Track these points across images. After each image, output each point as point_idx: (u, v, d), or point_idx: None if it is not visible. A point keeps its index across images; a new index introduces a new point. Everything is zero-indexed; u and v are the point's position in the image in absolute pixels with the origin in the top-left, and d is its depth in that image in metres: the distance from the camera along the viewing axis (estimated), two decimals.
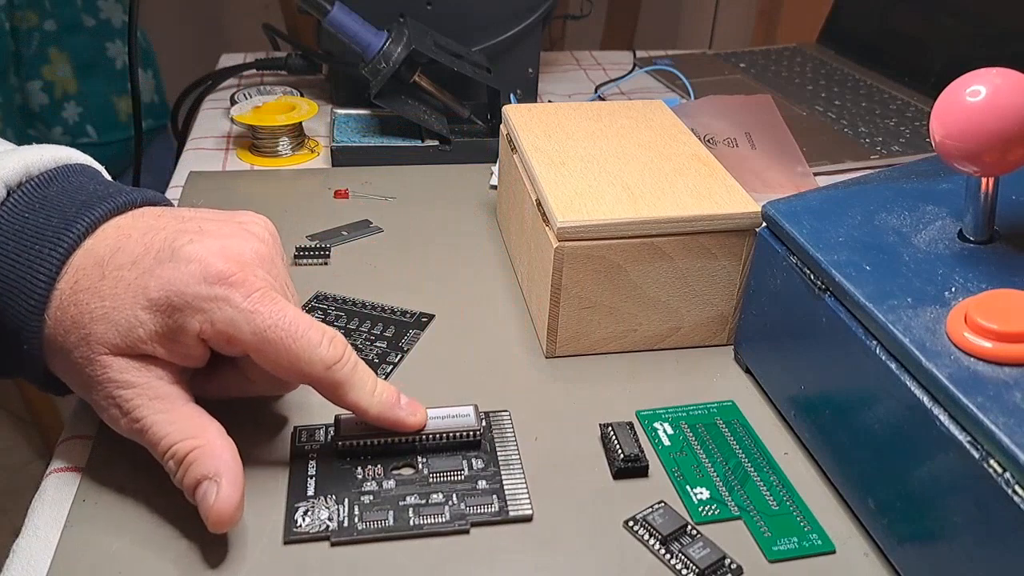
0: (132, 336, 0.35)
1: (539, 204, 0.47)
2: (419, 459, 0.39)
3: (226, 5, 1.85)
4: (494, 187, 0.66)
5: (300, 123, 0.71)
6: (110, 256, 0.36)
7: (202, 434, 0.36)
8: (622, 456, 0.39)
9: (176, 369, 0.37)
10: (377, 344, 0.47)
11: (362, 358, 0.46)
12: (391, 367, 0.46)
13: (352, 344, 0.47)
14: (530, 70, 0.80)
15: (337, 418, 0.40)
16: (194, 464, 0.35)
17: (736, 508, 0.38)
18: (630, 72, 0.90)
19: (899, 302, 0.35)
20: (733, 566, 0.35)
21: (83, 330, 0.35)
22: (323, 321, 0.49)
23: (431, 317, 0.50)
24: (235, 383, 0.40)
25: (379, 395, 0.38)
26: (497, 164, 0.63)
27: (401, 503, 0.37)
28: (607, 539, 0.36)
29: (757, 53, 1.01)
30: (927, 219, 0.40)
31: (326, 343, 0.36)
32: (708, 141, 0.71)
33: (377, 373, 0.45)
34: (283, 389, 0.42)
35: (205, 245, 0.36)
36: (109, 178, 0.41)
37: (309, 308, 0.50)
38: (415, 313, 0.50)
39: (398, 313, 0.50)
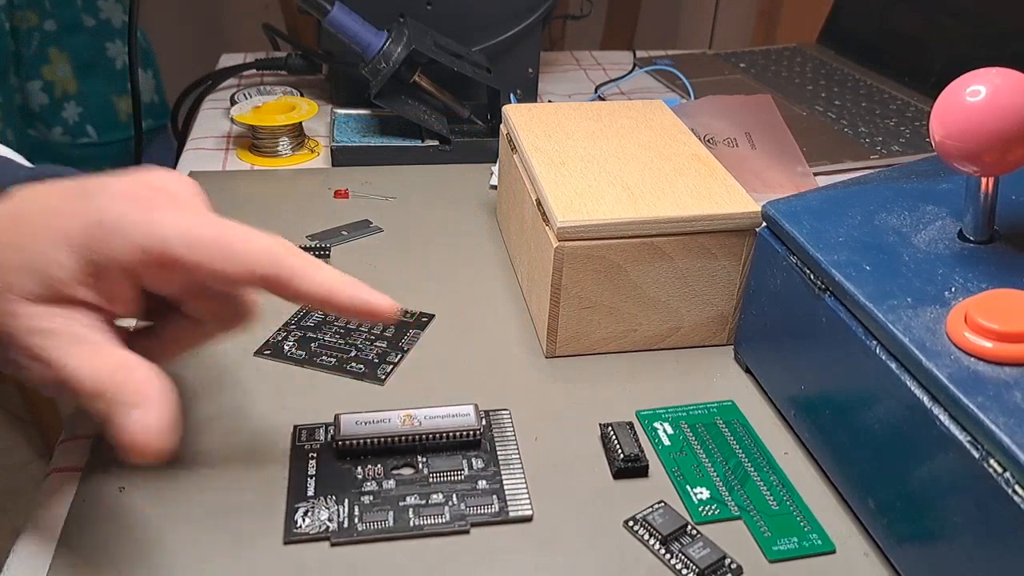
0: (53, 279, 0.33)
1: (539, 204, 0.47)
2: (419, 459, 0.39)
3: (226, 5, 1.85)
4: (494, 187, 0.66)
5: (300, 123, 0.71)
6: (24, 208, 0.34)
7: (128, 364, 0.33)
8: (622, 456, 0.39)
9: (105, 317, 0.35)
10: (377, 344, 0.47)
11: (362, 358, 0.46)
12: (391, 367, 0.46)
13: (352, 344, 0.47)
14: (530, 70, 0.80)
15: (337, 417, 0.40)
16: (119, 390, 0.32)
17: (736, 508, 0.38)
18: (630, 72, 0.90)
19: (899, 302, 0.35)
20: (733, 566, 0.35)
21: (0, 284, 0.33)
22: (323, 321, 0.49)
23: (431, 317, 0.50)
24: (186, 331, 0.37)
25: (339, 274, 0.35)
26: (497, 164, 0.63)
27: (401, 503, 0.37)
28: (607, 539, 0.36)
29: (757, 53, 1.01)
30: (927, 219, 0.40)
31: (267, 236, 0.34)
32: (708, 141, 0.71)
33: (377, 373, 0.45)
34: (239, 317, 0.38)
35: (120, 182, 0.34)
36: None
37: (309, 308, 0.50)
38: (415, 313, 0.50)
39: (405, 315, 0.50)
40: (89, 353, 0.33)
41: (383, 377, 0.45)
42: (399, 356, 0.47)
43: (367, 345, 0.47)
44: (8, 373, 0.36)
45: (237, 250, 0.33)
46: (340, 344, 0.47)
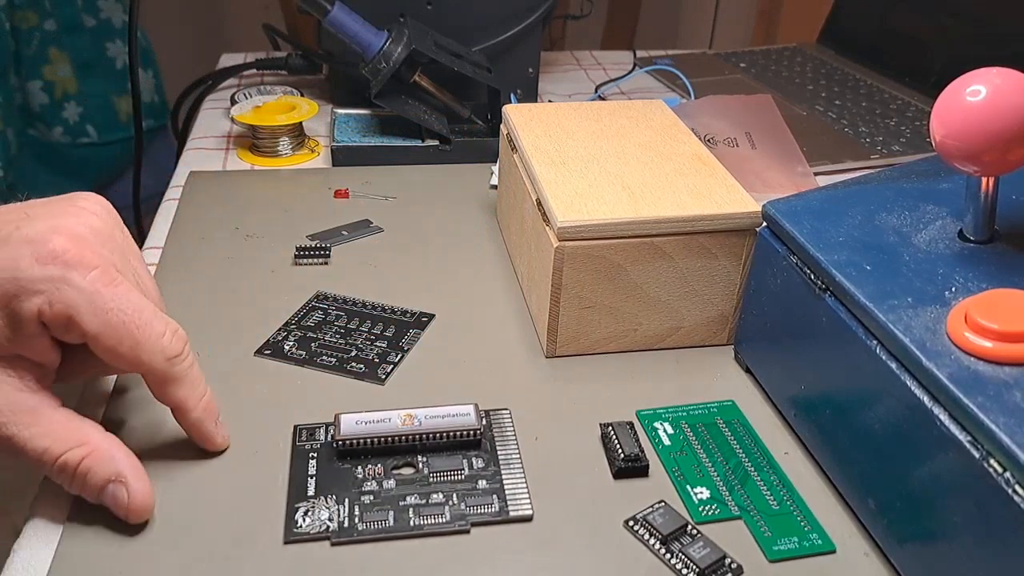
0: None
1: (539, 204, 0.47)
2: (419, 459, 0.39)
3: (226, 5, 1.85)
4: (494, 187, 0.66)
5: (300, 123, 0.71)
6: None
7: (85, 439, 0.35)
8: (622, 456, 0.39)
9: (34, 372, 0.35)
10: (377, 344, 0.47)
11: (362, 358, 0.46)
12: (391, 367, 0.46)
13: (353, 344, 0.47)
14: (530, 70, 0.80)
15: (337, 417, 0.40)
16: (90, 472, 0.34)
17: (736, 508, 0.38)
18: (630, 72, 0.90)
19: (899, 302, 0.35)
20: (733, 566, 0.35)
21: None
22: (323, 321, 0.49)
23: (431, 317, 0.50)
24: (90, 363, 0.38)
25: (205, 401, 0.38)
26: (497, 164, 0.63)
27: (401, 503, 0.37)
28: (607, 539, 0.36)
29: (757, 53, 1.01)
30: (927, 219, 0.40)
31: (169, 334, 0.35)
32: (708, 141, 0.71)
33: (377, 373, 0.45)
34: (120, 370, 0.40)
35: (34, 227, 0.34)
36: None
37: (309, 308, 0.50)
38: (415, 313, 0.50)
39: (398, 313, 0.50)
40: (33, 422, 0.34)
41: (383, 377, 0.45)
42: (399, 356, 0.46)
43: (367, 345, 0.47)
44: None
45: (140, 348, 0.34)
46: (340, 344, 0.47)
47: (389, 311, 0.50)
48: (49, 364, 0.36)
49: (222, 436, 0.39)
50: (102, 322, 0.33)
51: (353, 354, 0.46)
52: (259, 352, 0.46)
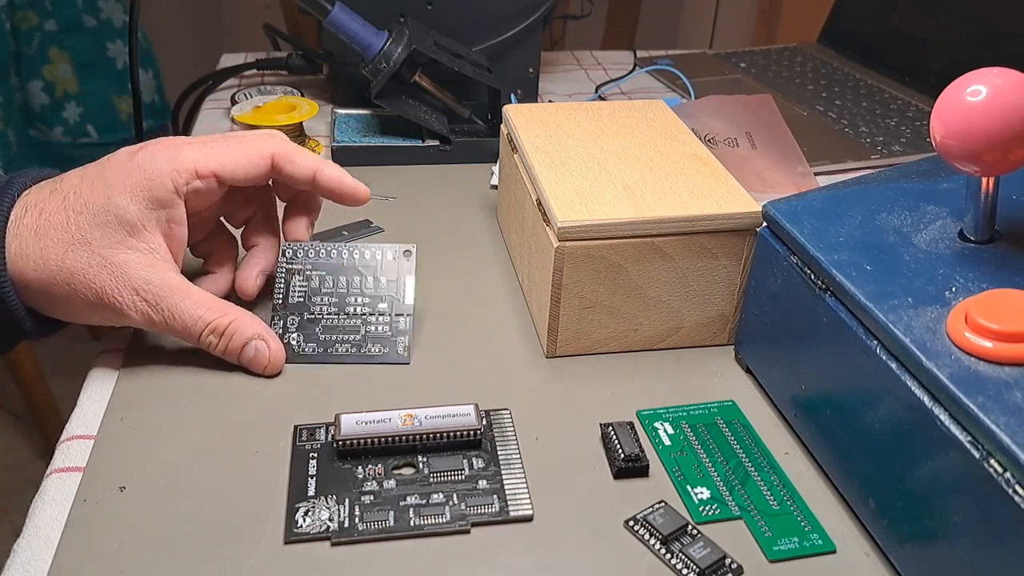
0: (130, 222, 0.42)
1: (539, 204, 0.47)
2: (419, 459, 0.39)
3: (226, 5, 1.85)
4: (494, 187, 0.66)
5: (301, 123, 0.71)
6: (65, 189, 0.42)
7: (230, 308, 0.44)
8: (622, 456, 0.39)
9: (175, 258, 0.44)
10: (378, 342, 0.47)
11: (364, 353, 0.46)
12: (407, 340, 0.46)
13: (353, 344, 0.47)
14: (530, 70, 0.80)
15: (337, 417, 0.40)
16: (236, 332, 0.43)
17: (737, 508, 0.38)
18: (631, 72, 0.90)
19: (899, 302, 0.35)
20: (734, 566, 0.35)
21: (84, 244, 0.41)
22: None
23: (431, 317, 0.50)
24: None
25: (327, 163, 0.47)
26: (497, 164, 0.63)
27: (401, 503, 0.37)
28: (607, 539, 0.36)
29: (757, 53, 1.01)
30: (928, 219, 0.40)
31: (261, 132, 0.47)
32: (708, 141, 0.71)
33: (398, 350, 0.46)
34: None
35: (125, 149, 0.44)
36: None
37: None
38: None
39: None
40: (185, 295, 0.43)
41: (405, 353, 0.45)
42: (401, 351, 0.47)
43: (367, 342, 0.47)
44: (92, 324, 0.44)
45: (249, 148, 0.45)
46: (340, 341, 0.47)
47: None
48: (183, 244, 0.44)
49: (361, 186, 0.48)
50: (226, 163, 0.44)
51: (354, 352, 0.46)
52: None
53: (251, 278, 0.48)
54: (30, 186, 0.43)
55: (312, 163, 0.46)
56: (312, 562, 0.35)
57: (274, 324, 0.47)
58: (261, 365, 0.44)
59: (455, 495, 0.38)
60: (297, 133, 0.71)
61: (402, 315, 0.47)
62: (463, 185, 0.66)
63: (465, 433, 0.40)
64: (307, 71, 0.85)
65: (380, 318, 0.47)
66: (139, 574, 0.34)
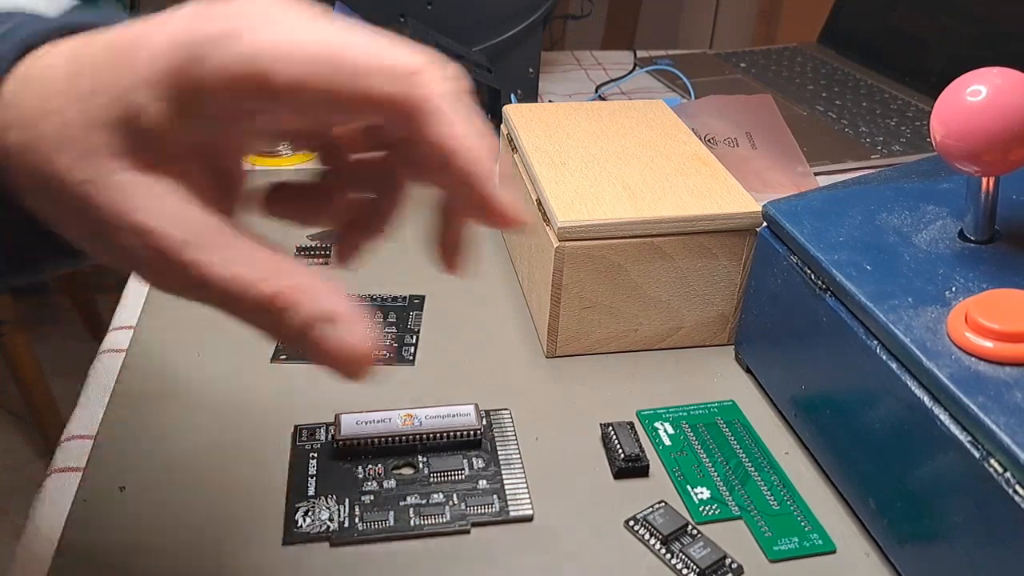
0: (135, 126, 0.23)
1: (539, 204, 0.47)
2: (419, 459, 0.39)
3: None
4: None
5: None
6: (81, 51, 0.24)
7: (288, 269, 0.25)
8: (623, 456, 0.39)
9: (201, 184, 0.25)
10: (387, 331, 0.48)
11: (383, 345, 0.47)
12: (413, 347, 0.47)
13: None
14: (530, 70, 0.80)
15: (337, 417, 0.40)
16: (297, 307, 0.24)
17: (737, 508, 0.38)
18: (631, 72, 0.90)
19: (900, 302, 0.35)
20: (734, 566, 0.35)
21: (78, 140, 0.23)
22: None
23: (422, 298, 0.51)
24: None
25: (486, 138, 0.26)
26: (497, 164, 0.63)
27: (402, 503, 0.37)
28: (607, 539, 0.36)
29: (757, 53, 1.01)
30: (928, 219, 0.40)
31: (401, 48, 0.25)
32: (708, 141, 0.71)
33: (401, 354, 0.46)
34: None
35: (173, 12, 0.24)
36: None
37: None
38: (417, 296, 0.52)
39: (399, 300, 0.52)
40: (220, 244, 0.24)
41: (410, 358, 0.46)
42: (414, 338, 0.47)
43: (380, 332, 0.47)
44: (111, 264, 0.26)
45: (353, 62, 0.24)
46: None
47: (390, 300, 0.51)
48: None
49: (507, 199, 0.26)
50: (302, 58, 0.24)
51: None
52: (275, 359, 0.46)
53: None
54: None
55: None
56: (312, 562, 0.35)
57: None
58: (334, 359, 0.24)
59: (455, 495, 0.38)
60: None
61: None
62: None
63: (465, 433, 0.40)
64: None
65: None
66: (139, 574, 0.34)
